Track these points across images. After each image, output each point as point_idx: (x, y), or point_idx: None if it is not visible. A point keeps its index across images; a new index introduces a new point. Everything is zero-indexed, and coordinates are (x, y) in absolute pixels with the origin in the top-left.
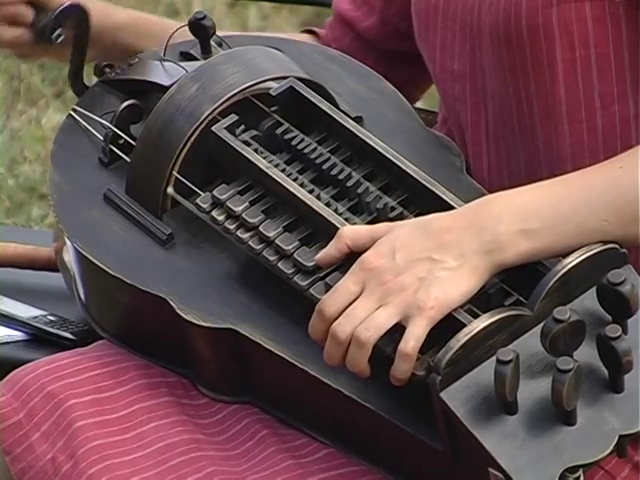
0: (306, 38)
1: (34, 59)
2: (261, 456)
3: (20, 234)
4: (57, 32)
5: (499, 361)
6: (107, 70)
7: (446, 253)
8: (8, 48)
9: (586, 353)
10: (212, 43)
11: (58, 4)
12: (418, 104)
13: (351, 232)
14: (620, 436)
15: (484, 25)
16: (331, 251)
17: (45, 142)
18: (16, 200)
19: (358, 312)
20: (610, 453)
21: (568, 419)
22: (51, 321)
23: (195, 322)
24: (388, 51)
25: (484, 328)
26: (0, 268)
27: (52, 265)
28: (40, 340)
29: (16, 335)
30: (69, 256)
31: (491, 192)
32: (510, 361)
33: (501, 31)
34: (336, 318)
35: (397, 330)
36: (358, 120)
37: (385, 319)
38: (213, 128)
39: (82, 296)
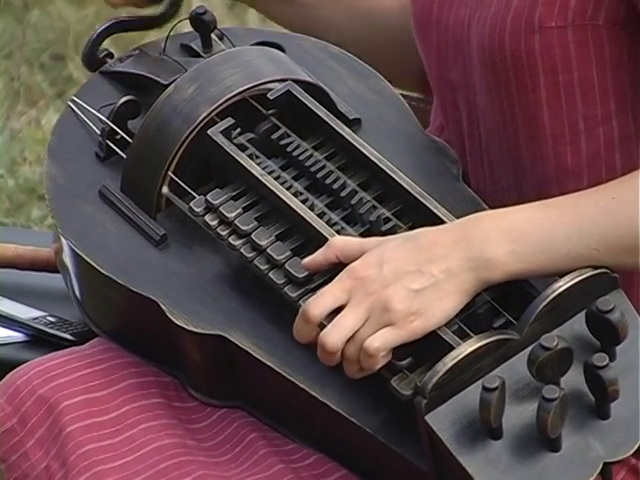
0: None
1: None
2: (251, 460)
3: (20, 235)
4: None
5: (485, 388)
6: (107, 60)
7: (433, 266)
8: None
9: (573, 378)
10: (213, 37)
11: None
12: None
13: (341, 242)
14: (604, 463)
15: (472, 42)
16: (319, 258)
17: (45, 143)
18: (16, 201)
19: (345, 322)
20: None
21: (553, 445)
22: (51, 322)
23: (185, 327)
24: None
25: (471, 352)
26: (0, 269)
27: (52, 266)
28: (40, 341)
29: (16, 336)
30: (65, 256)
31: (490, 205)
32: (496, 389)
33: (486, 53)
34: (320, 323)
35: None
36: (356, 122)
37: (370, 334)
38: (209, 132)
39: (77, 292)
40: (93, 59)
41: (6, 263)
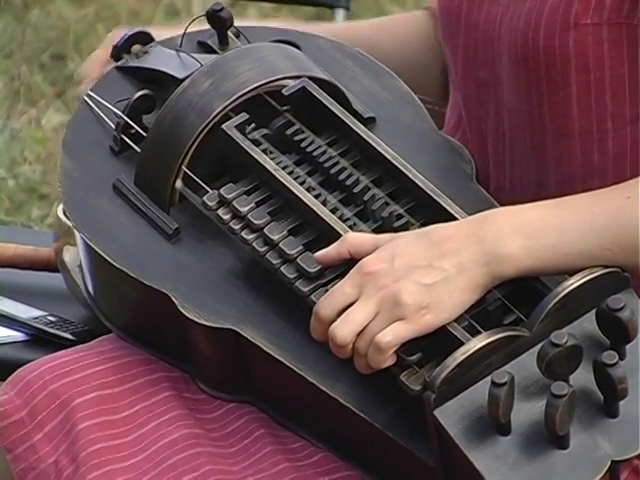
0: (422, 14)
1: None
2: (257, 456)
3: (20, 234)
4: None
5: (494, 383)
6: (124, 55)
7: (444, 261)
8: None
9: (582, 377)
10: (229, 34)
11: None
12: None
13: (355, 239)
14: (612, 462)
15: (503, 40)
16: (332, 253)
17: (45, 142)
18: (16, 200)
19: (355, 316)
20: (601, 478)
21: (561, 443)
22: (51, 322)
23: (197, 321)
24: None
25: (481, 348)
26: (0, 268)
27: (52, 266)
28: (40, 341)
29: (16, 336)
30: (70, 255)
31: (508, 203)
32: (504, 384)
33: (519, 49)
34: (333, 320)
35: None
36: (371, 120)
37: (380, 328)
38: (223, 126)
39: (89, 287)
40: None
41: (6, 262)
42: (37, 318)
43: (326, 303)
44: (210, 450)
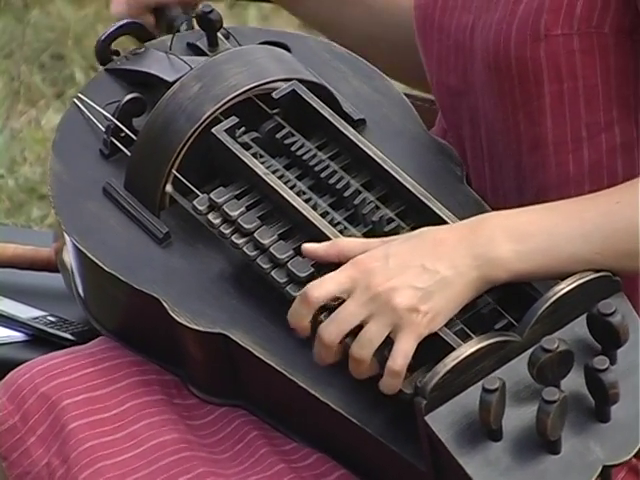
0: None
1: None
2: (252, 459)
3: (20, 235)
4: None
5: (485, 389)
6: (113, 58)
7: (438, 263)
8: None
9: (574, 381)
10: (219, 36)
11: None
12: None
13: (345, 243)
14: (604, 467)
15: (476, 47)
16: (319, 252)
17: (45, 143)
18: (16, 201)
19: (345, 316)
20: None
21: (552, 448)
22: (51, 322)
23: (187, 325)
24: None
25: (472, 353)
26: (0, 269)
27: (52, 266)
28: (40, 341)
29: (16, 336)
30: (68, 253)
31: (491, 208)
32: (496, 390)
33: (491, 59)
34: (318, 305)
35: (385, 343)
36: (361, 122)
37: (376, 334)
38: (213, 130)
39: (80, 290)
40: (105, 54)
41: (6, 263)
42: (37, 318)
43: (318, 286)
44: (203, 455)
